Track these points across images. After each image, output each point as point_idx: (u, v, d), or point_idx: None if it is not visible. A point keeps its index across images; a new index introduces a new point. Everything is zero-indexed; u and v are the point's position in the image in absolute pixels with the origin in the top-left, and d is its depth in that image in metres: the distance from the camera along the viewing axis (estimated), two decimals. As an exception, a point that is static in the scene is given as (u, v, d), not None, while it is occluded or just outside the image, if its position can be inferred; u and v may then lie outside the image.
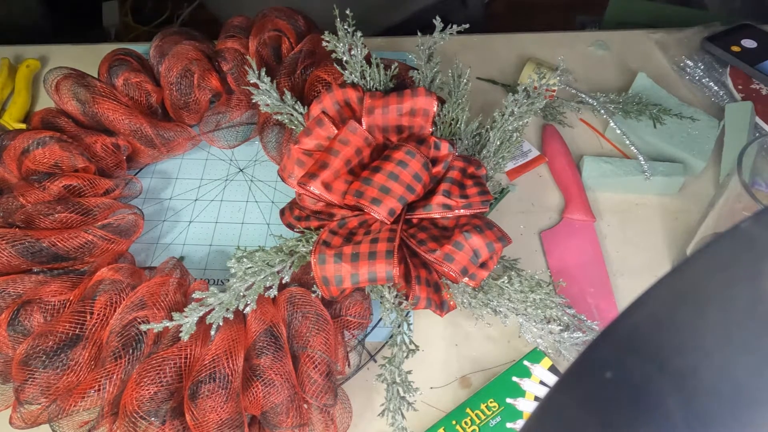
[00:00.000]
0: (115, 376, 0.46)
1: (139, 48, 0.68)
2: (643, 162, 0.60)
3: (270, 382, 0.45)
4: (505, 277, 0.50)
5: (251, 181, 0.65)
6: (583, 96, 0.65)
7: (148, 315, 0.48)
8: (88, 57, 0.70)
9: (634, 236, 0.60)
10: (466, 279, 0.48)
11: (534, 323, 0.50)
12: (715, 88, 0.67)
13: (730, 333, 0.17)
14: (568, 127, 0.67)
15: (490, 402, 0.49)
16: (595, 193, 0.62)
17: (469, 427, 0.48)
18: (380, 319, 0.54)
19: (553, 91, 0.67)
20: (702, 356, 0.17)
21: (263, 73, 0.58)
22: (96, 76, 0.63)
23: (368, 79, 0.57)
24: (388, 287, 0.49)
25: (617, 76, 0.71)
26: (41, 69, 0.76)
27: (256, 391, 0.45)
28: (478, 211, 0.50)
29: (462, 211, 0.50)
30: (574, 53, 0.74)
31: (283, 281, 0.49)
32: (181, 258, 0.59)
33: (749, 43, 0.68)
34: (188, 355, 0.46)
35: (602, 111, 0.64)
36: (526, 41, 0.75)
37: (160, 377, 0.45)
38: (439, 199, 0.50)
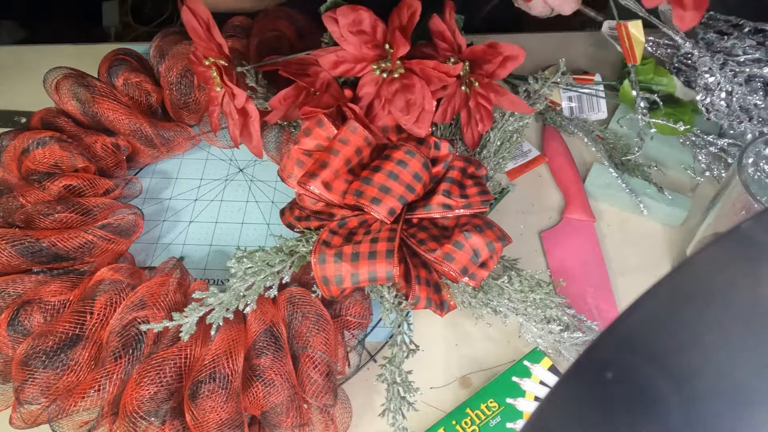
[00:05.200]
0: (115, 376, 0.46)
1: (139, 48, 0.68)
2: (638, 201, 0.59)
3: (270, 382, 0.45)
4: (505, 277, 0.50)
5: (251, 181, 0.65)
6: (574, 129, 0.65)
7: (148, 315, 0.48)
8: (88, 57, 0.69)
9: (634, 236, 0.60)
10: (466, 279, 0.48)
11: (534, 323, 0.50)
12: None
13: (730, 333, 0.17)
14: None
15: (490, 402, 0.49)
16: (596, 201, 0.62)
17: (469, 427, 0.48)
18: (380, 319, 0.54)
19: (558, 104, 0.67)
20: (702, 356, 0.17)
21: (260, 77, 0.58)
22: (96, 76, 0.63)
23: (368, 79, 0.57)
24: (388, 287, 0.49)
25: (617, 75, 0.71)
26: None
27: (256, 391, 0.45)
28: (478, 210, 0.50)
29: (462, 210, 0.50)
30: (575, 53, 0.74)
31: (283, 281, 0.49)
32: (181, 258, 0.59)
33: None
34: (188, 355, 0.46)
35: (591, 144, 0.64)
36: (526, 41, 0.75)
37: (160, 377, 0.45)
38: (439, 198, 0.50)
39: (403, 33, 0.50)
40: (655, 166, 0.62)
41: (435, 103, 0.53)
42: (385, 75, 0.53)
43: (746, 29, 0.60)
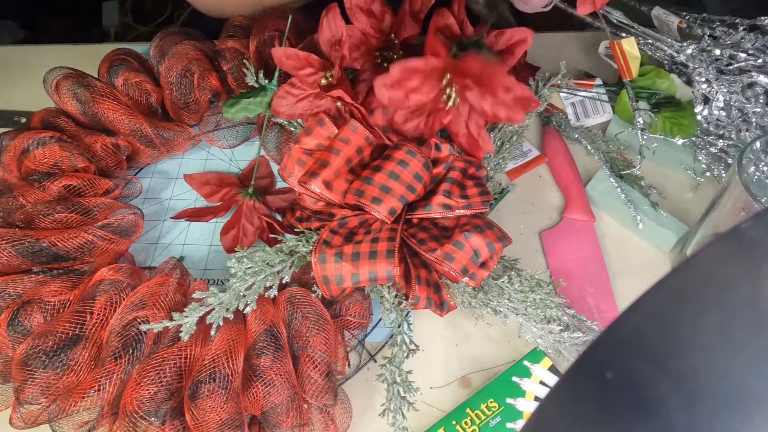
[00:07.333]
0: (115, 376, 0.46)
1: (139, 48, 0.68)
2: (634, 213, 0.58)
3: (270, 382, 0.45)
4: (505, 277, 0.50)
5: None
6: (578, 135, 0.65)
7: (148, 315, 0.48)
8: (88, 57, 0.70)
9: (634, 236, 0.60)
10: (466, 279, 0.48)
11: (534, 323, 0.50)
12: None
13: (730, 333, 0.17)
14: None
15: (490, 402, 0.49)
16: (596, 207, 0.62)
17: (469, 427, 0.48)
18: (380, 319, 0.54)
19: (562, 111, 0.67)
20: (702, 357, 0.17)
21: (261, 75, 0.58)
22: (96, 76, 0.63)
23: (368, 79, 0.57)
24: (388, 287, 0.49)
25: (618, 77, 0.71)
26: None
27: (256, 391, 0.45)
28: (479, 211, 0.50)
29: (462, 211, 0.50)
30: (575, 54, 0.74)
31: (283, 281, 0.49)
32: (181, 258, 0.59)
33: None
34: (188, 355, 0.46)
35: (592, 151, 0.64)
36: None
37: (160, 377, 0.45)
38: (439, 199, 0.50)
39: (414, 17, 0.50)
40: (654, 189, 0.62)
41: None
42: (386, 65, 0.53)
43: (742, 28, 0.60)
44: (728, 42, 0.59)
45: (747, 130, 0.58)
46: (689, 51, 0.59)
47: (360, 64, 0.54)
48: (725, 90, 0.57)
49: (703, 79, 0.57)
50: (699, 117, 0.59)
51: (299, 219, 0.53)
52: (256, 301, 0.48)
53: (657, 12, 0.65)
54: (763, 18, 0.60)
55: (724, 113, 0.58)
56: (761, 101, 0.57)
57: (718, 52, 0.58)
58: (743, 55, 0.57)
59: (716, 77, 0.57)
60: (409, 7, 0.52)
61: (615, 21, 0.62)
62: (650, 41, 0.64)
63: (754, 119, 0.58)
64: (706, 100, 0.58)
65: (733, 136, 0.59)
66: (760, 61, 0.57)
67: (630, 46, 0.59)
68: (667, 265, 0.58)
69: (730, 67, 0.58)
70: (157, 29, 0.69)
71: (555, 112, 0.68)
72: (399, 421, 0.45)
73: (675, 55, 0.60)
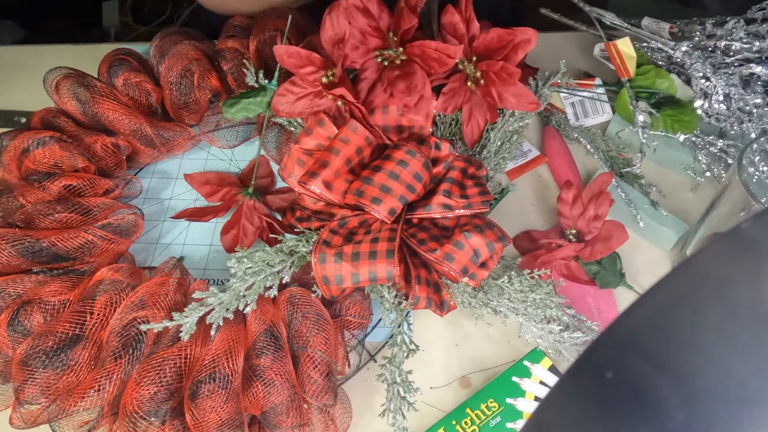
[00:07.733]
0: (115, 376, 0.46)
1: (139, 48, 0.68)
2: (634, 212, 0.58)
3: (270, 382, 0.45)
4: (505, 277, 0.50)
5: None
6: (577, 135, 0.65)
7: (148, 315, 0.48)
8: (88, 57, 0.70)
9: (635, 235, 0.60)
10: (466, 279, 0.48)
11: (534, 323, 0.50)
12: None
13: (730, 333, 0.17)
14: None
15: (490, 402, 0.49)
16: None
17: (469, 427, 0.48)
18: (380, 319, 0.54)
19: (563, 110, 0.67)
20: (702, 357, 0.17)
21: (261, 75, 0.58)
22: (96, 76, 0.63)
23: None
24: (388, 287, 0.49)
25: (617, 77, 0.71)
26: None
27: (256, 391, 0.45)
28: (479, 211, 0.50)
29: (462, 211, 0.50)
30: (575, 54, 0.74)
31: (283, 281, 0.49)
32: (181, 258, 0.59)
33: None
34: (188, 355, 0.46)
35: (592, 150, 0.64)
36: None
37: (160, 377, 0.45)
38: (439, 199, 0.50)
39: (411, 10, 0.51)
40: (654, 187, 0.62)
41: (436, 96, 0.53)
42: (386, 63, 0.53)
43: (731, 23, 0.60)
44: (721, 34, 0.59)
45: (749, 121, 0.58)
46: (684, 48, 0.59)
47: (359, 64, 0.54)
48: (723, 83, 0.57)
49: (700, 74, 0.58)
50: (700, 111, 0.59)
51: (299, 219, 0.53)
52: (256, 301, 0.48)
53: (647, 22, 0.65)
54: (754, 8, 0.60)
55: (724, 106, 0.58)
56: (759, 91, 0.57)
57: (712, 43, 0.58)
58: (738, 44, 0.57)
59: (713, 71, 0.57)
60: (405, 2, 0.52)
61: (608, 23, 0.62)
62: (645, 44, 0.64)
63: (754, 110, 0.58)
64: (706, 95, 0.58)
65: (735, 127, 0.59)
66: (755, 48, 0.57)
67: (625, 45, 0.59)
68: (667, 264, 0.58)
69: (727, 60, 0.58)
70: (157, 29, 0.69)
71: (555, 111, 0.68)
72: (399, 421, 0.45)
73: (671, 53, 0.60)
